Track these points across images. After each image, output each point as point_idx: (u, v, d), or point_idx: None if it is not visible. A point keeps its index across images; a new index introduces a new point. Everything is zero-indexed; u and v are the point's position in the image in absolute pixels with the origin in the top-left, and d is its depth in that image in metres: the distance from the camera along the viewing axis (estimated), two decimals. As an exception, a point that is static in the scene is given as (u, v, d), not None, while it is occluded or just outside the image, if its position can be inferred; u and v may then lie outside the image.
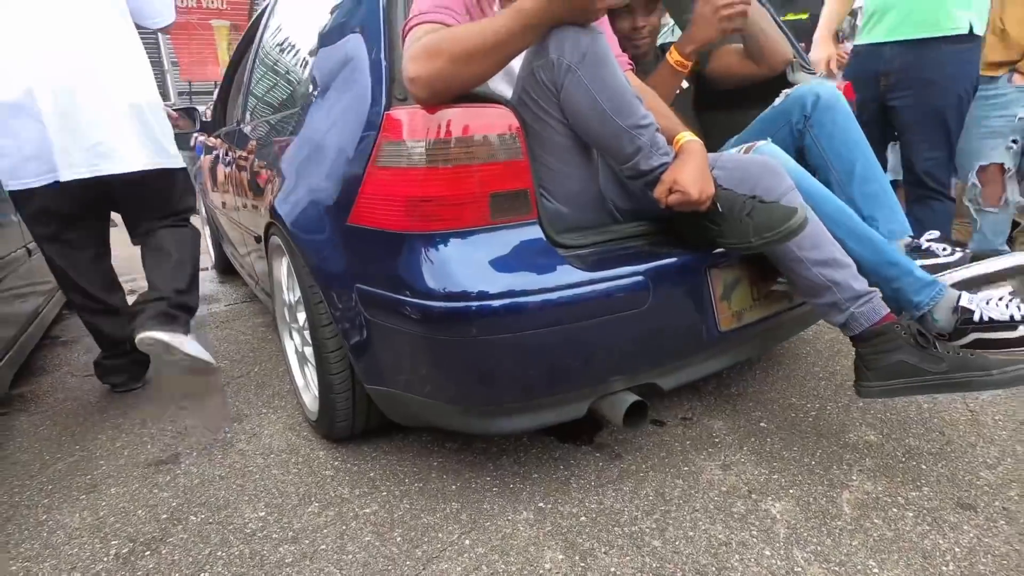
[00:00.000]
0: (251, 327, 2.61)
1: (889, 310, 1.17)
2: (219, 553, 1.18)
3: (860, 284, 1.17)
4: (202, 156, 3.48)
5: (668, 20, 2.76)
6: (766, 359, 1.90)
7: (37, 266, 2.12)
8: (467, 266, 1.07)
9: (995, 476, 1.26)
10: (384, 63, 1.18)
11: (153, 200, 1.81)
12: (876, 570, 1.03)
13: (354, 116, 1.22)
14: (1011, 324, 1.14)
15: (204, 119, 3.06)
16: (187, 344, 1.68)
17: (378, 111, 1.13)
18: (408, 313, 1.10)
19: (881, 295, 1.19)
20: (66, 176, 1.58)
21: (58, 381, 2.16)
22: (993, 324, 1.15)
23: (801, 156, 1.43)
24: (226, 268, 3.57)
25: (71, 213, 1.71)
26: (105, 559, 1.19)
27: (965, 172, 2.40)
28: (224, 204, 2.59)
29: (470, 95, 1.08)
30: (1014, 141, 2.27)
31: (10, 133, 1.55)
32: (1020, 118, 2.24)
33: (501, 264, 1.08)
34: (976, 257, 1.31)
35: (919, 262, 1.30)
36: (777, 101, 1.47)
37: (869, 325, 1.16)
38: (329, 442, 1.55)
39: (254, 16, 2.86)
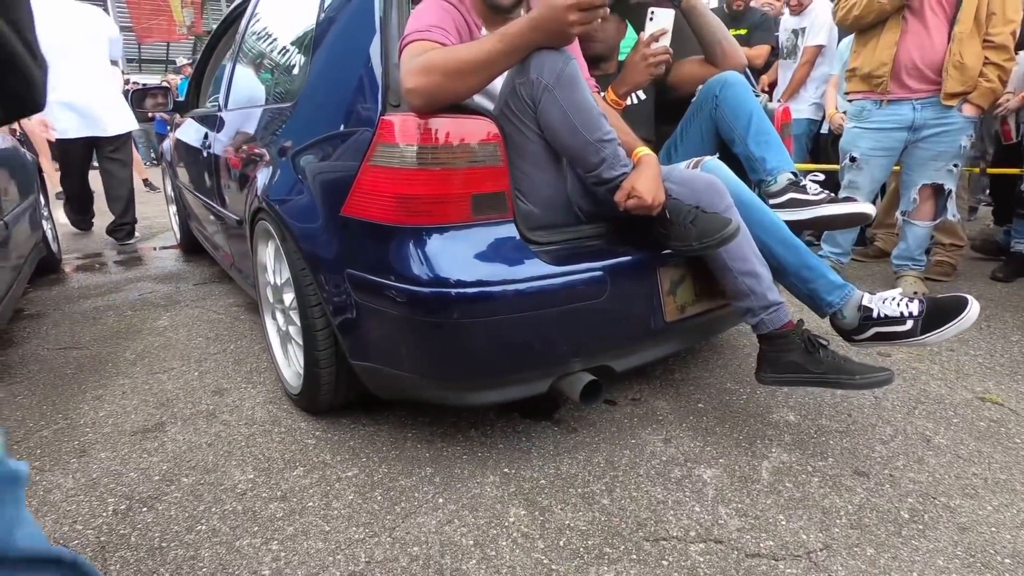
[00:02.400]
0: (223, 306, 2.67)
1: (790, 319, 1.40)
2: (213, 509, 1.30)
3: (773, 295, 1.38)
4: (170, 134, 3.48)
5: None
6: (708, 349, 2.11)
7: (13, 240, 2.15)
8: (450, 257, 1.22)
9: (887, 450, 1.50)
10: (380, 70, 1.30)
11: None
12: (784, 523, 1.24)
13: (350, 117, 1.34)
14: (902, 319, 1.37)
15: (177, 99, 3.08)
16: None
17: (373, 116, 1.26)
18: (395, 297, 1.24)
19: (785, 304, 1.41)
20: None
21: (30, 353, 2.19)
22: (888, 319, 1.39)
23: (717, 131, 1.68)
24: (191, 247, 3.59)
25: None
26: (104, 514, 1.29)
27: (908, 188, 2.67)
28: (197, 184, 2.64)
29: (457, 107, 1.22)
30: (955, 165, 2.54)
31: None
32: (963, 146, 2.51)
33: (480, 256, 1.23)
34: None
35: (791, 195, 1.55)
36: (695, 98, 1.72)
37: (773, 328, 1.39)
38: (309, 415, 1.68)
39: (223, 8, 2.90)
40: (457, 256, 1.22)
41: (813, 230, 1.81)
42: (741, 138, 1.62)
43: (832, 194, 1.57)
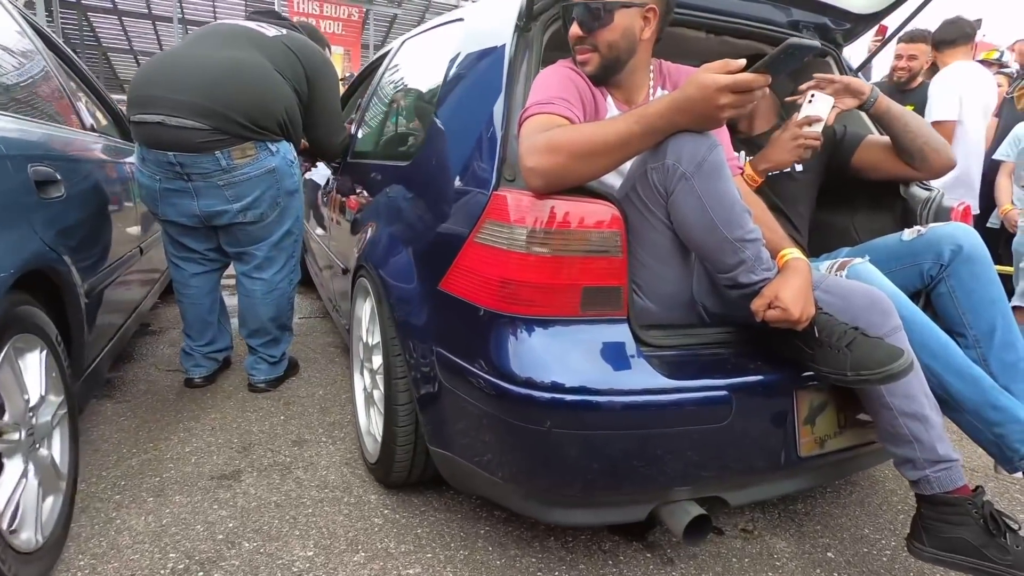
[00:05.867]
0: (321, 345, 2.71)
1: (965, 482, 1.09)
2: (266, 589, 1.21)
3: (944, 448, 1.09)
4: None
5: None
6: (839, 476, 1.78)
7: (147, 261, 2.30)
8: (551, 355, 1.07)
9: (1099, 675, 1.12)
10: (498, 140, 1.21)
11: None
12: None
13: (461, 187, 1.26)
14: None
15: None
16: None
17: (486, 189, 1.17)
18: (484, 389, 1.11)
19: (960, 463, 1.10)
20: None
21: (142, 371, 2.30)
22: None
23: (926, 303, 1.33)
24: (303, 279, 3.73)
25: None
26: (163, 571, 1.24)
27: None
28: (315, 222, 2.73)
29: (578, 187, 1.09)
30: None
31: None
32: None
33: (585, 358, 1.07)
34: None
35: None
36: (906, 235, 1.36)
37: (941, 491, 1.09)
38: (381, 487, 1.57)
39: (372, 56, 3.02)
40: (558, 354, 1.07)
41: None
42: (976, 341, 1.28)
43: None
